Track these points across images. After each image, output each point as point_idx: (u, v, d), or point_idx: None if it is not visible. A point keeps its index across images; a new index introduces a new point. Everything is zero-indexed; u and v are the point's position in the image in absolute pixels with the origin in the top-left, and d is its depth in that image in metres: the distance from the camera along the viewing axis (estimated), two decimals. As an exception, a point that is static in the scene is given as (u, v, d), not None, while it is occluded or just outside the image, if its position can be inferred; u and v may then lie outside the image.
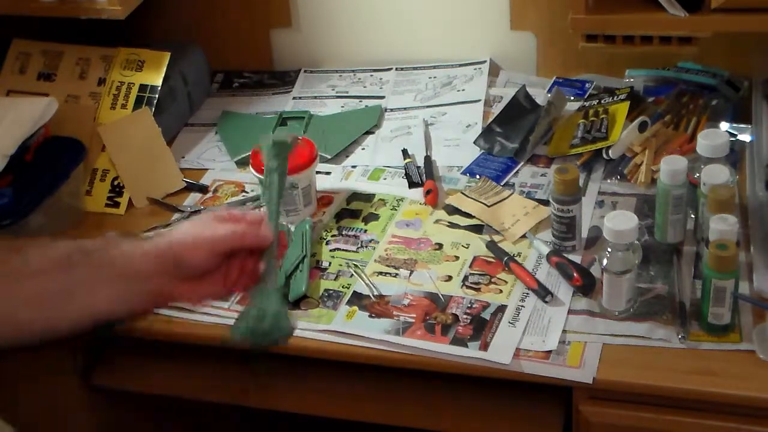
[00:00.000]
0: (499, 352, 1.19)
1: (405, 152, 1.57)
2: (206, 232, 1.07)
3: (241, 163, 1.60)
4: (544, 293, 1.25)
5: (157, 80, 1.63)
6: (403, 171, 1.53)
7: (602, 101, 1.56)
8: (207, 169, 1.61)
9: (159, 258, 1.05)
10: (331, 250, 1.39)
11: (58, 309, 1.03)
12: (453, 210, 1.44)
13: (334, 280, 1.34)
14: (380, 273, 1.34)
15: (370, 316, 1.27)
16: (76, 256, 1.02)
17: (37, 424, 1.18)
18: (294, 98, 1.77)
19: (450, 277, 1.31)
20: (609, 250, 1.19)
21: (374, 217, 1.45)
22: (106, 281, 1.03)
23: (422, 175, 1.51)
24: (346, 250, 1.39)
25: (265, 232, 1.08)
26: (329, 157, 1.58)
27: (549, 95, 1.59)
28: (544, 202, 1.41)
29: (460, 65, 1.77)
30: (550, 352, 1.18)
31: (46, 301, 1.02)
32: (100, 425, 1.49)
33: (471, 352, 1.20)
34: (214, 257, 1.06)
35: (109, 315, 1.06)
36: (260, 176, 1.24)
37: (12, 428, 1.05)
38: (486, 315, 1.24)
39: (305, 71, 1.84)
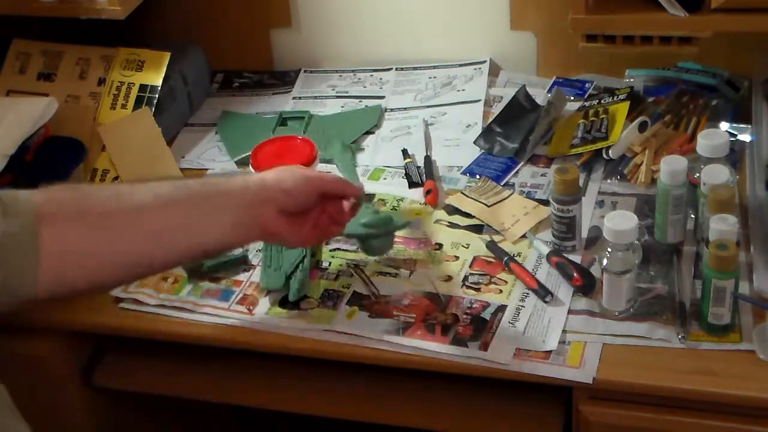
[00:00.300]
0: (499, 352, 1.19)
1: (405, 152, 1.57)
2: (309, 173, 1.18)
3: (241, 163, 1.60)
4: (544, 293, 1.25)
5: (157, 80, 1.63)
6: (403, 171, 1.53)
7: (602, 101, 1.56)
8: (207, 169, 1.61)
9: (266, 191, 1.13)
10: (331, 250, 1.39)
11: (175, 242, 1.09)
12: (453, 210, 1.44)
13: (334, 280, 1.34)
14: (380, 273, 1.34)
15: (370, 316, 1.27)
16: (190, 191, 1.10)
17: (36, 424, 1.18)
18: (294, 98, 1.77)
19: (450, 277, 1.31)
20: (609, 250, 1.19)
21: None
22: (214, 214, 1.10)
23: (422, 175, 1.51)
24: (346, 250, 1.39)
25: (357, 184, 1.23)
26: (329, 157, 1.58)
27: (549, 95, 1.59)
28: (544, 202, 1.41)
29: (460, 65, 1.77)
30: (550, 352, 1.18)
31: (165, 235, 1.08)
32: (100, 425, 1.49)
33: (471, 352, 1.20)
34: (315, 196, 1.16)
35: (219, 247, 1.16)
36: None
37: (27, 426, 1.06)
38: (486, 315, 1.25)
39: (305, 71, 1.84)
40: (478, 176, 1.50)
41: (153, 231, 1.07)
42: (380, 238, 1.32)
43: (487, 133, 1.58)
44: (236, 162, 1.61)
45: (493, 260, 1.34)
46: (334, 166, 1.54)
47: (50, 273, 1.02)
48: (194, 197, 1.10)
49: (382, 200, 1.48)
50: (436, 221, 1.43)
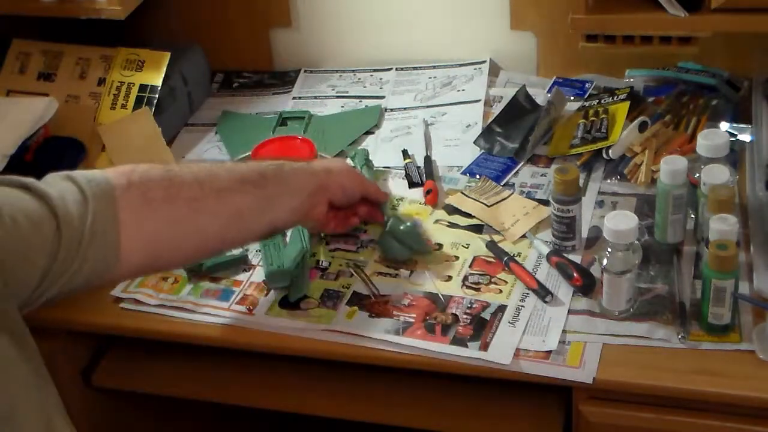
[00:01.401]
0: (499, 352, 1.19)
1: (405, 152, 1.57)
2: (361, 176, 1.35)
3: (241, 163, 1.60)
4: (544, 293, 1.25)
5: (157, 80, 1.63)
6: (403, 171, 1.53)
7: (602, 101, 1.56)
8: (207, 169, 1.61)
9: (328, 183, 1.26)
10: (331, 250, 1.39)
11: (254, 222, 1.20)
12: (453, 210, 1.44)
13: (334, 280, 1.34)
14: (380, 273, 1.34)
15: (370, 316, 1.27)
16: (266, 174, 1.20)
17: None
18: (294, 98, 1.77)
19: (450, 277, 1.31)
20: (609, 250, 1.19)
21: (374, 217, 1.45)
22: (287, 196, 1.22)
23: (422, 175, 1.51)
24: (346, 250, 1.39)
25: (384, 191, 1.41)
26: (329, 157, 1.58)
27: (549, 95, 1.59)
28: (544, 202, 1.41)
29: (460, 65, 1.77)
30: (550, 352, 1.18)
31: (246, 215, 1.19)
32: (100, 425, 1.49)
33: (471, 352, 1.20)
34: (359, 197, 1.32)
35: (284, 225, 1.28)
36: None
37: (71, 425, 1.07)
38: (486, 315, 1.24)
39: (305, 71, 1.84)
40: (478, 176, 1.50)
41: (235, 212, 1.17)
42: (404, 248, 1.34)
43: (487, 133, 1.58)
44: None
45: (493, 260, 1.34)
46: None
47: (134, 254, 1.10)
48: (270, 180, 1.20)
49: (382, 200, 1.48)
50: (436, 221, 1.43)
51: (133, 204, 1.09)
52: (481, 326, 1.23)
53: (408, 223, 1.34)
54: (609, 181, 1.46)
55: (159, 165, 1.17)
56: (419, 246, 1.34)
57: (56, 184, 1.07)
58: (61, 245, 1.02)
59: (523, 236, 1.37)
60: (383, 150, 1.60)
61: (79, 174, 1.09)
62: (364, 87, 1.77)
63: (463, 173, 1.52)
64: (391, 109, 1.70)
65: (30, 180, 1.06)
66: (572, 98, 1.62)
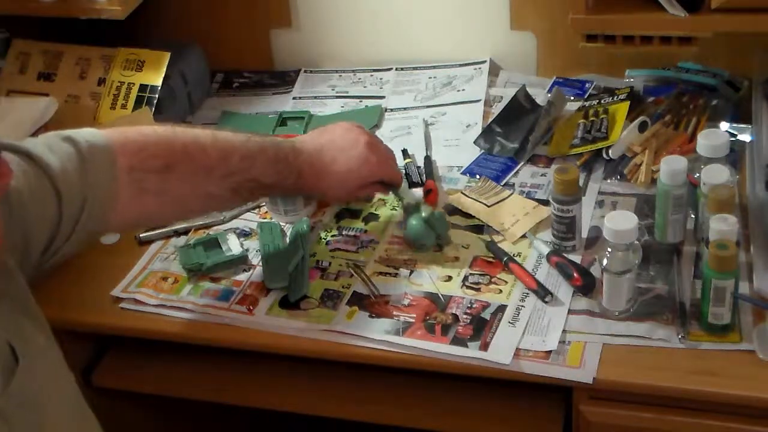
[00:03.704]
0: (499, 352, 1.19)
1: (405, 152, 1.57)
2: (376, 166, 1.37)
3: (241, 163, 1.60)
4: (543, 293, 1.25)
5: (157, 80, 1.63)
6: (403, 171, 1.53)
7: (602, 101, 1.56)
8: (207, 169, 1.61)
9: (312, 169, 1.32)
10: (331, 250, 1.39)
11: (249, 188, 1.27)
12: (453, 210, 1.44)
13: (334, 280, 1.34)
14: (380, 273, 1.34)
15: (370, 316, 1.27)
16: (264, 146, 1.28)
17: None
18: (294, 98, 1.77)
19: (450, 277, 1.31)
20: (609, 250, 1.19)
21: (374, 217, 1.45)
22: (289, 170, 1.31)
23: (422, 175, 1.51)
24: (346, 250, 1.39)
25: (399, 172, 1.43)
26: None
27: (549, 95, 1.59)
28: (544, 202, 1.41)
29: (460, 65, 1.77)
30: (550, 352, 1.18)
31: (240, 182, 1.26)
32: (100, 425, 1.49)
33: (471, 352, 1.19)
34: (356, 190, 1.38)
35: (284, 192, 1.39)
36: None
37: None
38: (486, 315, 1.24)
39: (305, 71, 1.84)
40: (478, 176, 1.50)
41: (234, 177, 1.24)
42: (432, 234, 1.36)
43: (487, 133, 1.58)
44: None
45: (493, 260, 1.34)
46: None
47: (133, 211, 1.18)
48: (268, 152, 1.27)
49: (383, 200, 1.48)
50: (436, 221, 1.43)
51: (133, 169, 1.17)
52: (481, 326, 1.23)
53: (436, 211, 1.37)
54: (609, 181, 1.46)
55: (162, 129, 1.23)
56: (446, 234, 1.36)
57: (58, 148, 1.12)
58: (63, 216, 1.09)
59: (523, 236, 1.37)
60: (383, 150, 1.60)
61: (80, 137, 1.15)
62: (364, 87, 1.77)
63: (463, 173, 1.52)
64: (391, 109, 1.70)
65: (31, 146, 1.10)
66: (572, 98, 1.62)
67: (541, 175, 1.49)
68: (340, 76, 1.81)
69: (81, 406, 1.07)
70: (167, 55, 1.64)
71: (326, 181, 1.34)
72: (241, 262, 1.38)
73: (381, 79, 1.78)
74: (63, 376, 1.04)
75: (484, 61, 1.75)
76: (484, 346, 1.20)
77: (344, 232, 1.42)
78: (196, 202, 1.25)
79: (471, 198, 1.45)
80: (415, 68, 1.79)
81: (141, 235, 1.45)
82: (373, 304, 1.29)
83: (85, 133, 1.16)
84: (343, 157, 1.34)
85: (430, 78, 1.76)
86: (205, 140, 1.23)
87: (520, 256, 1.34)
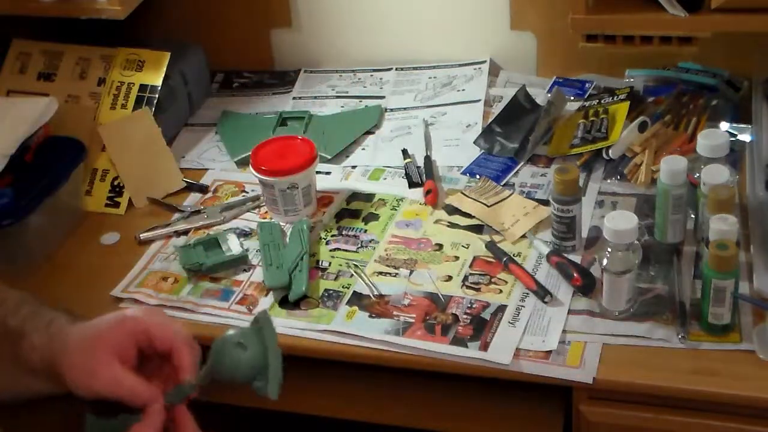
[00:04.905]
0: (499, 352, 1.19)
1: (405, 152, 1.57)
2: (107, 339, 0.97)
3: (241, 163, 1.60)
4: (542, 294, 1.25)
5: (157, 80, 1.63)
6: (403, 171, 1.53)
7: (602, 101, 1.56)
8: (207, 169, 1.62)
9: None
10: (331, 250, 1.39)
11: None
12: (453, 210, 1.44)
13: (334, 280, 1.34)
14: (380, 273, 1.34)
15: (370, 316, 1.27)
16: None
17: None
18: (294, 98, 1.77)
19: (450, 277, 1.31)
20: (609, 250, 1.19)
21: (374, 217, 1.45)
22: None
23: (422, 175, 1.51)
24: (346, 250, 1.39)
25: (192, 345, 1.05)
26: (329, 157, 1.58)
27: (549, 95, 1.59)
28: (544, 202, 1.41)
29: (460, 65, 1.77)
30: (550, 352, 1.18)
31: None
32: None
33: (471, 352, 1.20)
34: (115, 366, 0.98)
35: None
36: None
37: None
38: (486, 315, 1.24)
39: (305, 71, 1.84)
40: (478, 176, 1.50)
41: None
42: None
43: (487, 133, 1.58)
44: (236, 162, 1.61)
45: (493, 260, 1.34)
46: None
47: None
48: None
49: (383, 200, 1.48)
50: (436, 221, 1.43)
51: None
52: (481, 326, 1.23)
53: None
54: (609, 181, 1.46)
55: None
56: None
57: None
58: None
59: (523, 236, 1.37)
60: (383, 150, 1.60)
61: None
62: (364, 87, 1.77)
63: (463, 173, 1.52)
64: (391, 109, 1.70)
65: None
66: (572, 98, 1.62)
67: (541, 175, 1.49)
68: (340, 76, 1.81)
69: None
70: (167, 55, 1.64)
71: (67, 357, 0.96)
72: (241, 262, 1.38)
73: (381, 79, 1.78)
74: None
75: (484, 61, 1.75)
76: (484, 346, 1.20)
77: (344, 232, 1.42)
78: None
79: (471, 198, 1.45)
80: (415, 68, 1.79)
81: (141, 235, 1.45)
82: (373, 304, 1.29)
83: None
84: (91, 324, 0.99)
85: (430, 78, 1.76)
86: None
87: (520, 256, 1.34)
